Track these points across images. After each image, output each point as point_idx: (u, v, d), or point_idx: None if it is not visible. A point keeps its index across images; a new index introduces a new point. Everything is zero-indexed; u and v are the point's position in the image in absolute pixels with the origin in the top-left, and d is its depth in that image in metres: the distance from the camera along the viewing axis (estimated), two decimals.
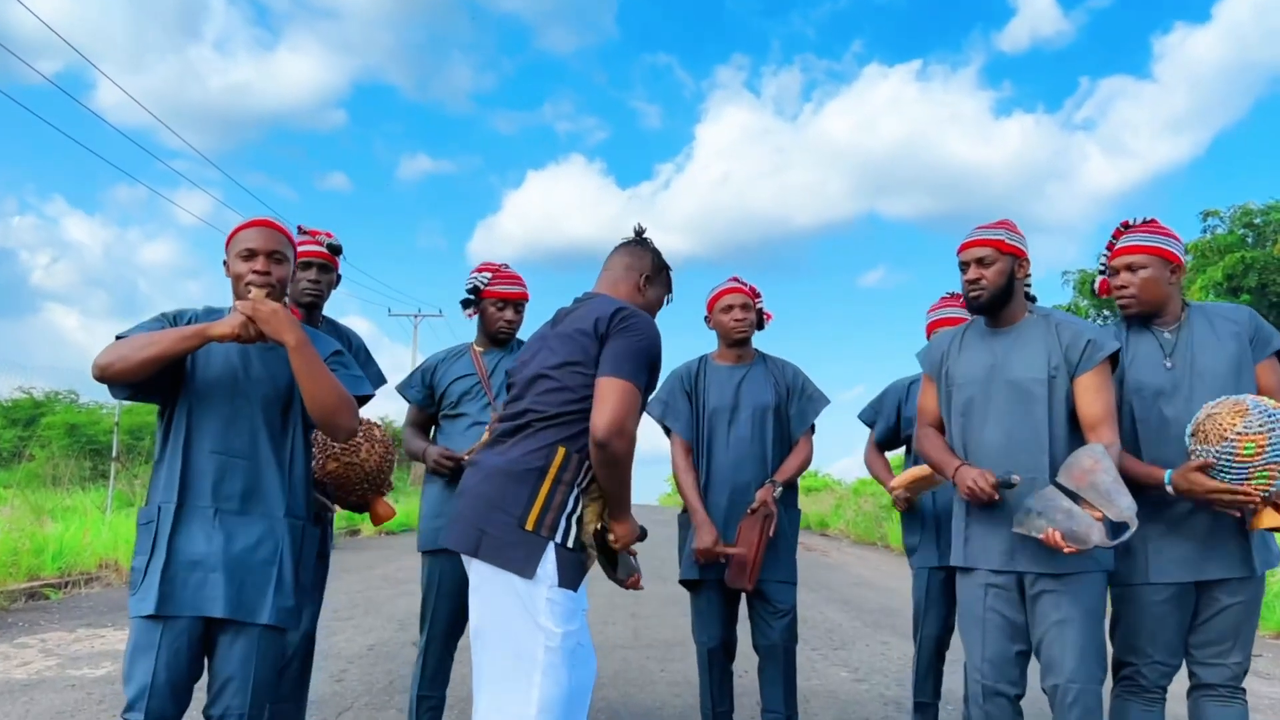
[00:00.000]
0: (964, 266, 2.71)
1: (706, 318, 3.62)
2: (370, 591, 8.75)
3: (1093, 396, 2.54)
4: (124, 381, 2.19)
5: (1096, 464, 2.38)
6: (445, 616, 3.27)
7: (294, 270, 2.43)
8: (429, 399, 3.49)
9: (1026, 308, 2.73)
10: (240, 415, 2.28)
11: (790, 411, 3.55)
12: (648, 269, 2.49)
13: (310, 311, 3.27)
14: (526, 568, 2.12)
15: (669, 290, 2.58)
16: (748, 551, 3.24)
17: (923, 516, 3.59)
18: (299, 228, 3.29)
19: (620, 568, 2.36)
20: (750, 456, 3.44)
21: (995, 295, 2.67)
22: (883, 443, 3.85)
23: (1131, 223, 2.77)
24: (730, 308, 3.52)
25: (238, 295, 2.32)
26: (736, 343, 3.56)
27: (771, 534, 3.31)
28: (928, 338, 3.73)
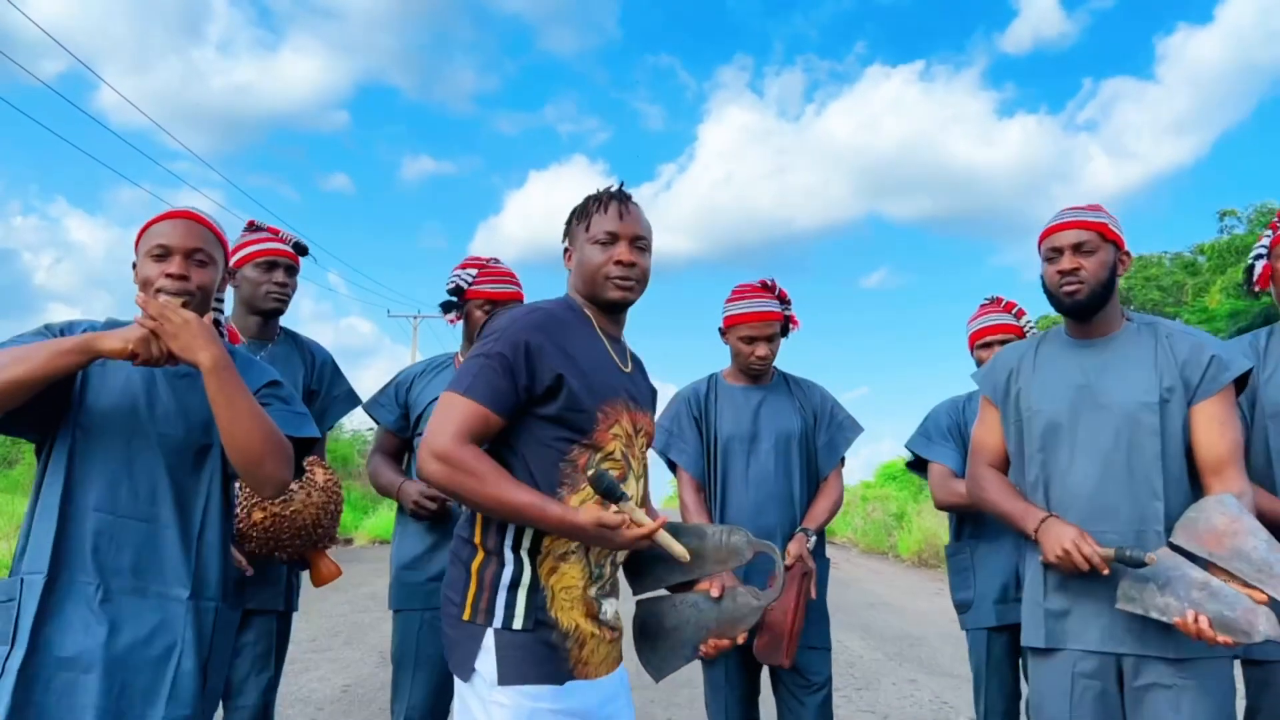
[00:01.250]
0: (1053, 255, 2.20)
1: (722, 331, 3.01)
2: (355, 615, 8.17)
3: (1218, 429, 2.05)
4: None
5: (1236, 522, 1.89)
6: (423, 691, 2.68)
7: (224, 277, 1.92)
8: (403, 421, 2.89)
9: (1125, 314, 2.25)
10: (138, 462, 1.78)
11: (818, 442, 2.99)
12: (570, 236, 1.98)
13: (267, 320, 2.78)
14: (462, 668, 1.73)
15: (586, 222, 1.93)
16: (782, 619, 2.63)
17: (974, 566, 3.01)
18: (250, 223, 2.82)
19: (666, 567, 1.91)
20: (775, 497, 2.86)
21: (1096, 292, 2.16)
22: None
23: None
24: (753, 341, 2.91)
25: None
26: (752, 375, 3.00)
27: (814, 595, 2.74)
28: (972, 353, 3.16)
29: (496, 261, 2.91)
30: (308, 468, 2.38)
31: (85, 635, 1.69)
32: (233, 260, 2.68)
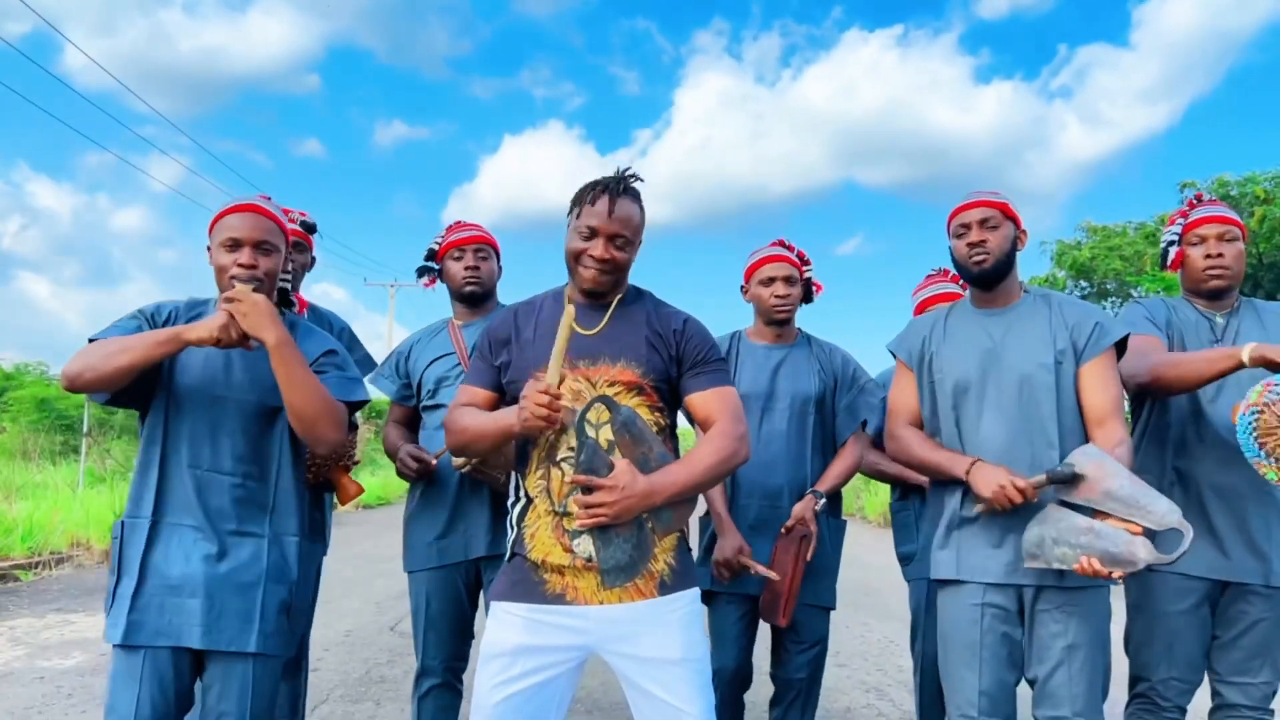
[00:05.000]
0: (962, 231, 2.44)
1: (743, 287, 3.09)
2: (348, 571, 8.65)
3: (1100, 386, 2.31)
4: (96, 390, 2.04)
5: (1101, 468, 2.15)
6: (436, 648, 2.83)
7: (285, 258, 2.24)
8: (406, 390, 3.01)
9: (1023, 287, 2.50)
10: (221, 425, 2.13)
11: (838, 405, 3.02)
12: (570, 215, 2.14)
13: (282, 296, 3.12)
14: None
15: (578, 209, 2.08)
16: (782, 580, 2.77)
17: (916, 521, 3.30)
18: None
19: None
20: (786, 457, 2.92)
21: (1001, 262, 2.40)
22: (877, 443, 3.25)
23: (1197, 201, 2.66)
24: (771, 280, 2.97)
25: (222, 288, 2.14)
26: (777, 321, 3.04)
27: (809, 558, 2.81)
28: None
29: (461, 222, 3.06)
30: None
31: (188, 564, 2.04)
32: None
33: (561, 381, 1.92)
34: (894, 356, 2.64)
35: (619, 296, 2.13)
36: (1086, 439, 2.32)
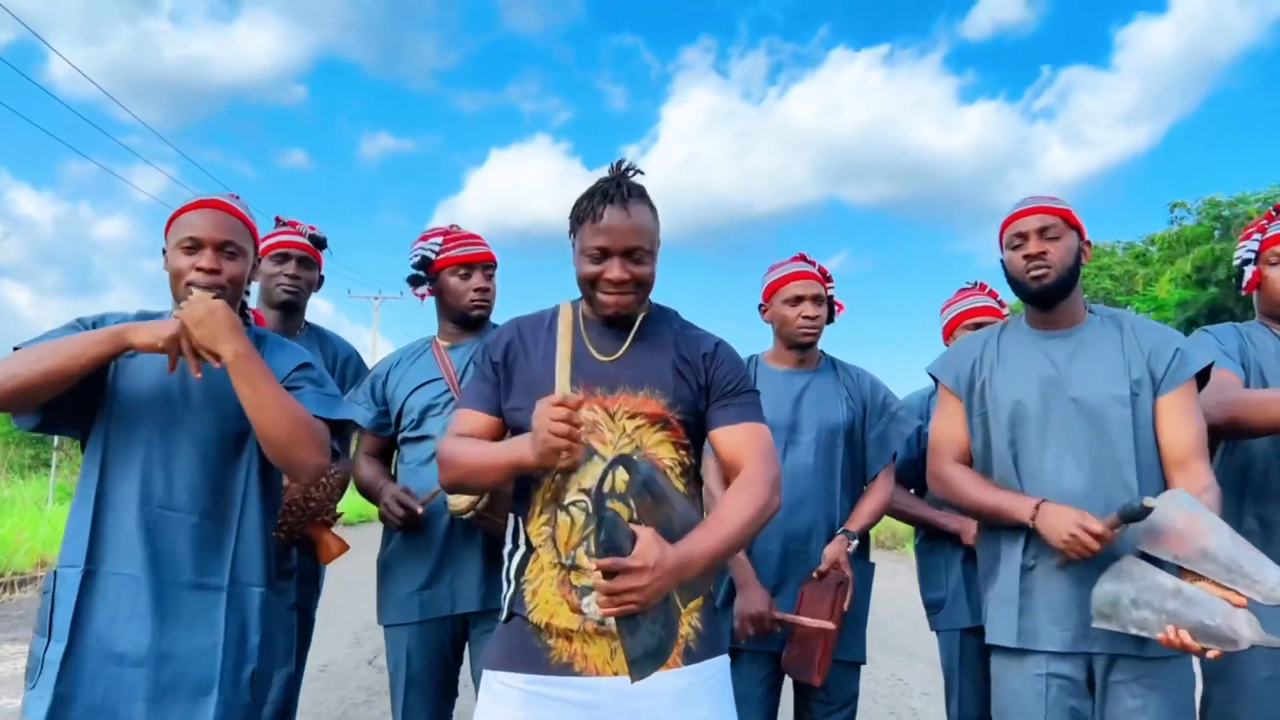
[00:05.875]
0: (1018, 241, 2.15)
1: (762, 306, 2.79)
2: (325, 598, 8.27)
3: (1181, 422, 2.02)
4: (20, 405, 1.72)
5: (1196, 520, 1.84)
6: (417, 713, 2.49)
7: (254, 266, 1.94)
8: (383, 418, 2.62)
9: (1087, 305, 2.21)
10: (176, 454, 1.80)
11: (868, 435, 2.71)
12: (571, 233, 1.86)
13: (288, 314, 2.78)
14: None
15: (580, 229, 1.79)
16: (815, 632, 2.42)
17: (946, 565, 2.95)
18: (276, 219, 2.81)
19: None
20: (813, 494, 2.59)
21: (1063, 277, 2.10)
22: (904, 477, 2.96)
23: (1276, 213, 2.39)
24: (799, 299, 2.66)
25: (177, 297, 1.83)
26: (802, 344, 2.72)
27: (845, 607, 2.48)
28: (949, 339, 3.08)
29: (456, 227, 2.72)
30: None
31: (131, 627, 1.71)
32: None
33: (580, 404, 1.61)
34: (935, 382, 2.35)
35: (642, 315, 1.84)
36: (1166, 484, 2.03)
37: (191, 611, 1.77)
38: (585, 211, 1.76)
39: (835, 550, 2.52)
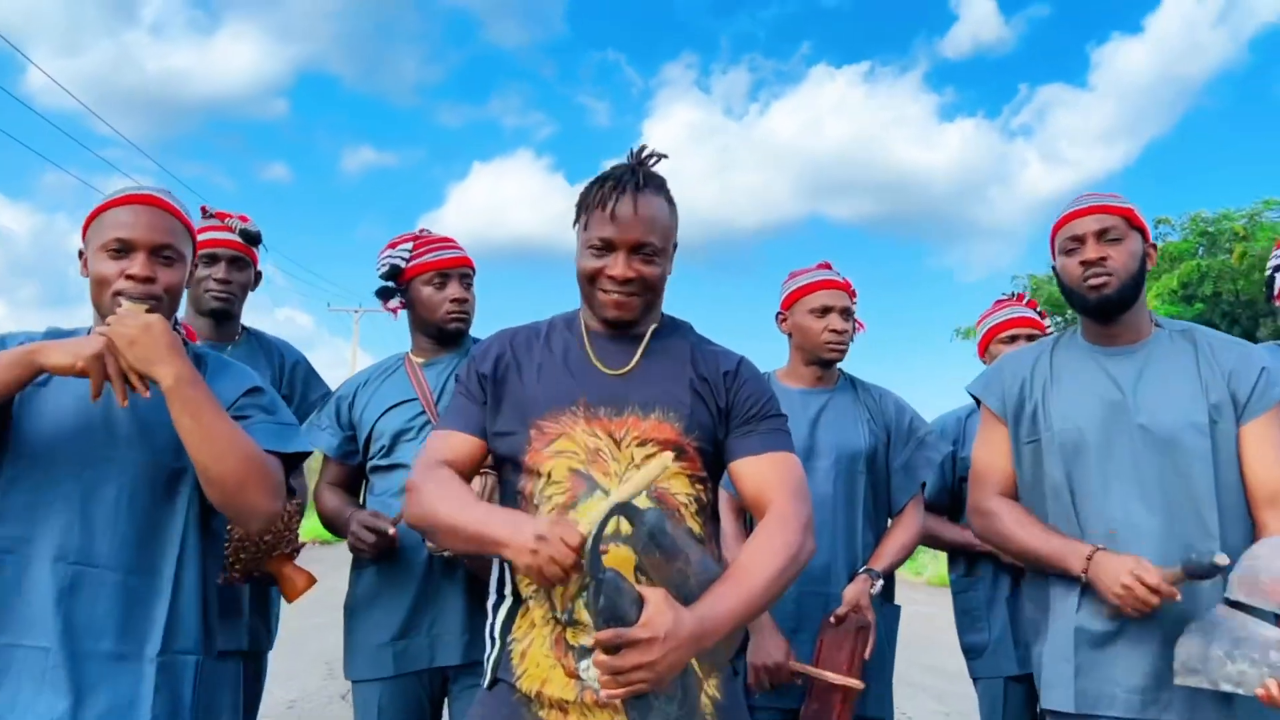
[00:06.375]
0: (1072, 246, 1.91)
1: (780, 316, 2.56)
2: (295, 620, 7.89)
3: (1271, 452, 1.79)
4: None
5: None
6: None
7: (192, 273, 1.67)
8: (350, 444, 2.33)
9: (1152, 319, 1.96)
10: (97, 496, 1.52)
11: (893, 463, 2.48)
12: (576, 225, 1.66)
13: (220, 321, 2.44)
14: None
15: (585, 218, 1.59)
16: (834, 686, 2.19)
17: (988, 602, 2.66)
18: (203, 209, 2.44)
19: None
20: (833, 528, 2.34)
21: (1126, 287, 1.87)
22: (936, 505, 2.71)
23: None
24: (827, 310, 2.44)
25: (101, 309, 1.55)
26: (826, 361, 2.50)
27: (867, 655, 2.25)
28: (985, 353, 2.82)
29: (427, 231, 2.45)
30: None
31: (32, 710, 1.44)
32: None
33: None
34: (977, 403, 2.10)
35: (653, 326, 1.61)
36: (1253, 525, 1.79)
37: (114, 686, 1.48)
38: (593, 199, 1.56)
39: (856, 592, 2.28)
